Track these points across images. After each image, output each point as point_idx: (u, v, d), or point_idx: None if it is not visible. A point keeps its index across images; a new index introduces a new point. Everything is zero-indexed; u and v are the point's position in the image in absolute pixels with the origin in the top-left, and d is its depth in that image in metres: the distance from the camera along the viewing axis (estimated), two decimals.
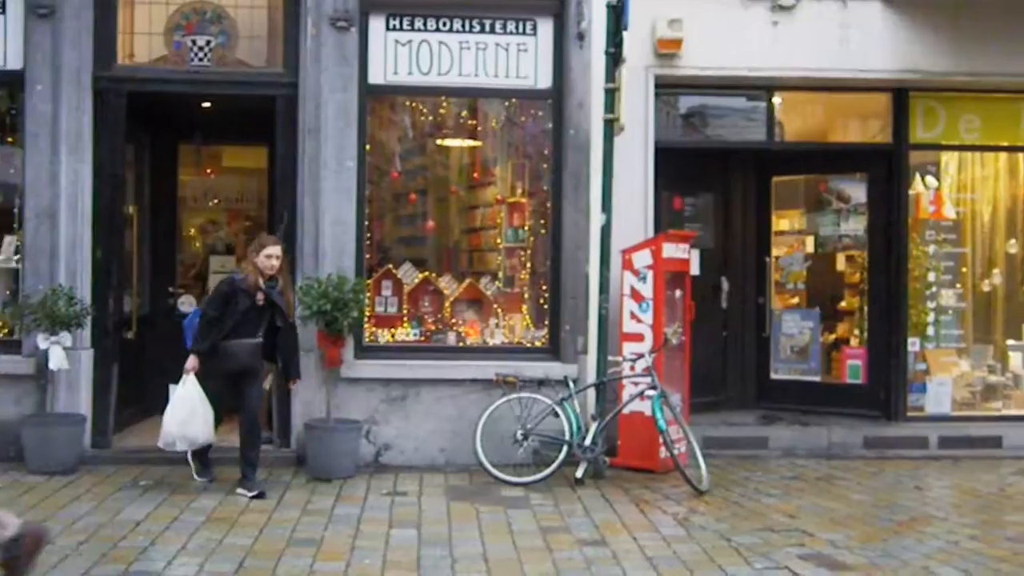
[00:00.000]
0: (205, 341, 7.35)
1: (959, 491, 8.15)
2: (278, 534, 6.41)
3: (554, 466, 7.84)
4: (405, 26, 8.76)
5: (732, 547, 6.30)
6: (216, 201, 10.88)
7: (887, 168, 9.93)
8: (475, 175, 9.75)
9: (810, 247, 10.64)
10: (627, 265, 8.55)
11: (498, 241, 9.36)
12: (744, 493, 7.79)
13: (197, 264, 10.78)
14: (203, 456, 7.60)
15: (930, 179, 10.23)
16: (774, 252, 10.65)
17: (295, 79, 8.59)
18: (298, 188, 8.58)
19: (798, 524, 6.90)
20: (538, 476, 7.80)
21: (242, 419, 7.55)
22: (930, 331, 10.05)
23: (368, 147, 8.81)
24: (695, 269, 9.49)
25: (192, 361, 7.37)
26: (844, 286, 10.58)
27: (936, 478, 8.60)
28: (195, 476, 7.57)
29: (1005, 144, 10.26)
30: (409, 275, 9.11)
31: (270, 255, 7.40)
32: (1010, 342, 10.45)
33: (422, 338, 9.00)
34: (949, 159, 10.43)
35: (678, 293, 8.86)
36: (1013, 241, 10.57)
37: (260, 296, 7.35)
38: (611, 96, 8.22)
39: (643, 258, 8.49)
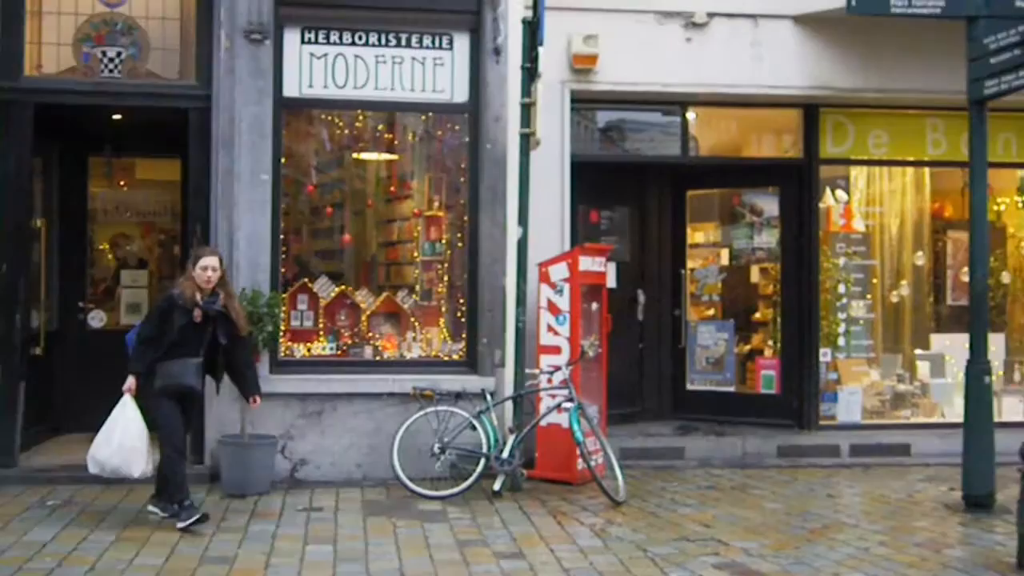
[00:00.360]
0: (140, 361, 6.94)
1: (869, 498, 8.32)
2: (190, 553, 6.29)
3: (471, 479, 7.83)
4: (320, 39, 8.70)
5: (648, 557, 6.35)
6: (128, 214, 10.67)
7: (798, 182, 10.14)
8: (392, 188, 9.73)
9: (725, 260, 10.82)
10: (544, 278, 8.60)
11: (415, 255, 9.34)
12: (660, 503, 7.87)
13: (108, 278, 10.56)
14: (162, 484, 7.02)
15: (840, 193, 10.48)
16: (689, 264, 10.81)
17: (208, 91, 8.49)
18: (212, 201, 8.47)
19: (713, 533, 6.98)
20: (455, 490, 7.79)
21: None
22: (841, 341, 10.28)
23: (283, 160, 8.74)
24: (611, 282, 9.60)
25: (129, 381, 6.99)
26: (758, 298, 10.77)
27: (847, 485, 8.78)
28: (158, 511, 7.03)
29: (912, 159, 10.55)
30: (325, 289, 9.03)
31: (206, 267, 6.96)
32: (918, 352, 10.74)
33: (339, 352, 8.92)
34: (858, 173, 10.70)
35: (595, 306, 8.94)
36: (920, 253, 10.88)
37: (197, 312, 6.91)
38: (527, 111, 8.26)
39: (560, 271, 8.55)
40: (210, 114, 8.47)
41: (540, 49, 8.11)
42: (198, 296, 6.94)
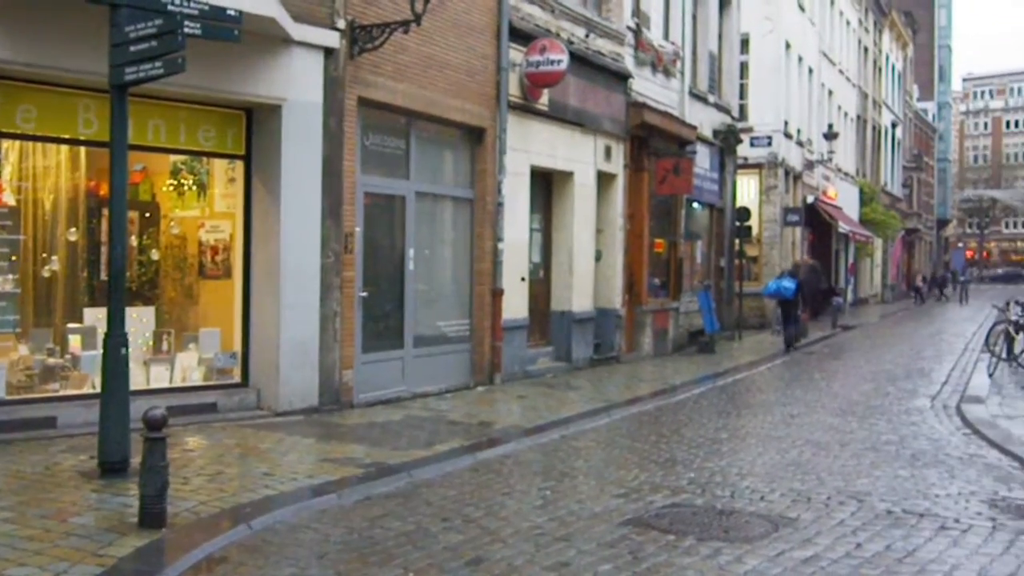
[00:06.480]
0: None
1: (3, 475, 7.73)
2: None
3: None
4: None
5: None
6: None
7: None
8: None
9: None
10: None
11: None
12: None
13: None
14: None
15: None
16: None
17: None
18: None
19: None
20: None
21: None
22: None
23: None
24: None
25: None
26: None
27: None
28: None
29: (66, 136, 10.04)
30: None
31: None
32: (70, 325, 10.37)
33: None
34: (10, 147, 9.95)
35: None
36: (74, 229, 10.52)
37: None
38: None
39: None
40: None
41: None
42: None
